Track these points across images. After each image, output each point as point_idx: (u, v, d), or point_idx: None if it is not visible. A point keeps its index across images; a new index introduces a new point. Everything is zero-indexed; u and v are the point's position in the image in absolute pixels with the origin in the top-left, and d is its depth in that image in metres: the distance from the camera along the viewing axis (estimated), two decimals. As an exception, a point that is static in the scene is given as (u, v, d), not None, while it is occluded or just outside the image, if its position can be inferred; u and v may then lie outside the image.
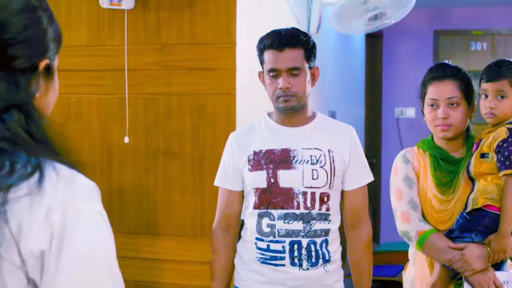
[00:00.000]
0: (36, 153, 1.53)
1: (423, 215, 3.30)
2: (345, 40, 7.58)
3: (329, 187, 3.23)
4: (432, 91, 3.28)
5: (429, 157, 3.35)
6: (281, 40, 3.19)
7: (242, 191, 3.35)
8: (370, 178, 3.38)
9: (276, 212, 3.21)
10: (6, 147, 1.49)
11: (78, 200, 1.55)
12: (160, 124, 4.30)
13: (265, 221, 3.24)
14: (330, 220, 3.24)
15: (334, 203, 3.27)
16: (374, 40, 9.11)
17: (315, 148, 3.25)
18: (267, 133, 3.31)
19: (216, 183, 3.39)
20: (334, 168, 3.23)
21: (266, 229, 3.23)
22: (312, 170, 3.21)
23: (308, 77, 3.24)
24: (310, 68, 3.25)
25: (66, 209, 1.50)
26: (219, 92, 4.17)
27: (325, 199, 3.22)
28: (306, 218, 3.20)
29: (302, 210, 3.20)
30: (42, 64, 1.62)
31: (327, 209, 3.23)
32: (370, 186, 3.47)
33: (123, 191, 4.37)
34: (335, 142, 3.28)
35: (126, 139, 4.28)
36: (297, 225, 3.19)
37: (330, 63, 6.74)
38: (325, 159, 3.23)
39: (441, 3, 8.90)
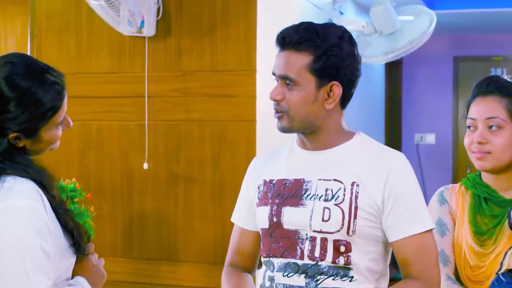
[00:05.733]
0: (2, 172, 2.13)
1: (456, 272, 2.63)
2: (365, 66, 7.57)
3: (348, 232, 2.35)
4: (473, 109, 2.62)
5: (470, 197, 2.66)
6: (284, 36, 2.42)
7: (258, 232, 2.58)
8: (424, 225, 2.38)
9: (276, 262, 2.44)
10: None
11: (5, 200, 2.07)
12: (181, 150, 4.30)
13: (267, 273, 2.48)
14: (352, 278, 2.36)
15: (361, 256, 2.38)
16: (393, 66, 9.10)
17: (334, 180, 2.40)
18: (286, 159, 2.54)
19: (232, 218, 2.73)
20: (355, 208, 2.35)
21: (267, 283, 2.47)
22: (324, 208, 2.37)
23: (313, 93, 2.38)
24: (321, 83, 2.38)
25: None
26: (240, 119, 4.18)
27: (342, 249, 2.36)
28: (310, 272, 2.37)
29: (306, 260, 2.38)
30: (10, 136, 2.15)
31: (347, 263, 2.36)
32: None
33: (143, 217, 4.37)
34: (365, 173, 2.39)
35: (145, 166, 4.29)
36: (298, 280, 2.39)
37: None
38: (344, 195, 2.37)
39: (460, 30, 8.89)
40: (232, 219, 2.72)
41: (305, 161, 2.48)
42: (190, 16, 4.27)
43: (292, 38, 2.38)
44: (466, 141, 2.63)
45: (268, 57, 4.28)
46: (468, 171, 8.88)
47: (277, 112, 2.44)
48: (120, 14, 4.13)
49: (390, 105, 9.04)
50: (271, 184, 2.51)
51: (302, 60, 2.36)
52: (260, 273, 2.54)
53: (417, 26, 5.35)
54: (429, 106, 9.29)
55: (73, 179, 3.74)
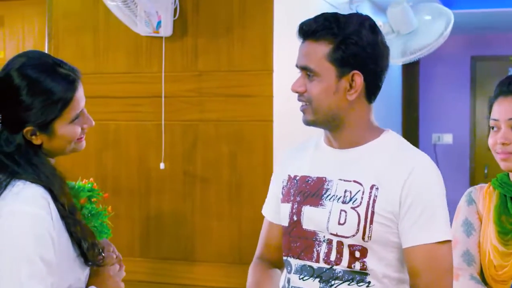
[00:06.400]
0: (14, 175, 2.15)
1: (482, 272, 2.59)
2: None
3: (363, 238, 2.26)
4: (495, 109, 2.60)
5: (497, 197, 2.63)
6: (302, 28, 2.38)
7: None
8: (439, 235, 2.24)
9: (293, 262, 2.39)
10: None
11: (10, 205, 2.09)
12: (197, 150, 4.31)
13: (286, 273, 2.45)
14: (369, 284, 2.28)
15: (377, 262, 2.29)
16: (410, 65, 9.07)
17: (354, 181, 2.31)
18: (311, 155, 2.47)
19: (262, 210, 2.70)
20: (372, 213, 2.26)
21: (286, 285, 2.44)
22: (341, 211, 2.29)
23: (333, 84, 2.30)
24: (342, 73, 2.30)
25: (3, 209, 2.09)
26: (256, 119, 4.17)
27: (357, 254, 2.28)
28: (325, 276, 2.30)
29: (321, 264, 2.32)
30: (25, 130, 2.18)
31: (363, 268, 2.27)
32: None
33: (160, 217, 4.38)
34: (385, 174, 2.28)
35: (162, 165, 4.30)
36: (313, 284, 2.33)
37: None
38: (361, 198, 2.27)
39: (478, 29, 8.86)
40: (262, 211, 2.68)
41: (328, 159, 2.40)
42: (207, 16, 4.28)
43: (311, 28, 2.33)
44: (490, 141, 2.60)
45: (285, 57, 4.28)
46: (485, 171, 8.85)
47: (301, 103, 2.37)
48: (137, 15, 4.14)
49: (407, 105, 9.02)
50: (295, 180, 2.44)
51: (321, 49, 2.30)
52: (283, 272, 2.51)
53: (435, 26, 5.33)
54: (447, 106, 9.27)
55: (91, 179, 3.76)
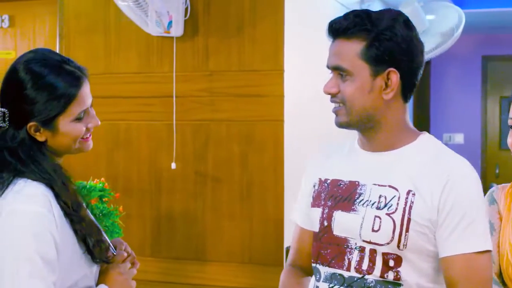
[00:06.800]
0: (17, 174, 2.16)
1: (500, 274, 2.51)
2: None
3: (398, 246, 2.13)
4: None
5: None
6: (332, 26, 2.23)
7: None
8: (479, 244, 2.13)
9: (323, 270, 2.27)
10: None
11: (11, 204, 2.09)
12: (208, 150, 4.31)
13: (314, 281, 2.34)
14: None
15: (411, 271, 2.17)
16: (421, 66, 9.07)
17: (390, 186, 2.19)
18: (344, 158, 2.35)
19: (292, 216, 2.56)
20: (408, 220, 2.13)
21: None
22: (375, 217, 2.17)
23: (368, 83, 2.18)
24: (377, 71, 2.18)
25: (4, 208, 2.09)
26: (267, 119, 4.17)
27: (391, 263, 2.15)
28: (356, 286, 2.19)
29: (352, 273, 2.20)
30: (29, 125, 2.18)
31: (396, 278, 2.15)
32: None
33: (171, 216, 4.38)
34: (422, 180, 2.16)
35: (173, 165, 4.30)
36: None
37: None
38: (397, 204, 2.15)
39: (489, 29, 8.84)
40: (292, 217, 2.54)
41: (362, 162, 2.28)
42: (217, 16, 4.28)
43: (341, 25, 2.19)
44: (509, 140, 2.51)
45: (295, 57, 4.28)
46: (497, 171, 8.83)
47: (334, 105, 2.23)
48: (148, 15, 4.15)
49: (418, 104, 9.00)
50: (326, 184, 2.32)
51: (353, 47, 2.17)
52: (312, 280, 2.38)
53: (446, 26, 5.32)
54: (458, 105, 9.25)
55: (102, 178, 3.79)
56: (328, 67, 2.24)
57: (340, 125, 2.24)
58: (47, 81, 2.17)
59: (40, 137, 2.22)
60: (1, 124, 2.21)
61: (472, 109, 9.18)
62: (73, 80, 2.21)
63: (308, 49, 4.50)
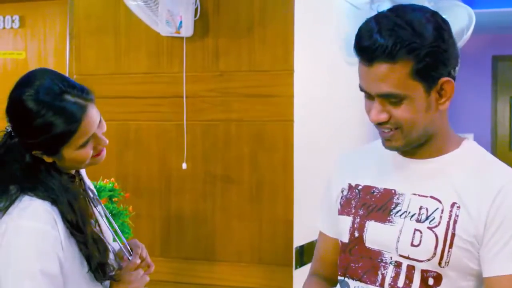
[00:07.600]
0: (24, 190, 2.16)
1: None
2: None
3: (440, 263, 1.97)
4: None
5: None
6: (368, 47, 1.93)
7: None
8: None
9: (352, 285, 2.10)
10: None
11: (15, 220, 2.10)
12: (218, 150, 4.31)
13: None
14: None
15: None
16: (431, 66, 9.07)
17: (431, 197, 2.01)
18: (377, 162, 2.17)
19: (318, 223, 2.40)
20: (452, 235, 1.96)
21: None
22: (415, 230, 1.99)
23: (424, 100, 1.98)
24: (430, 85, 1.98)
25: (8, 224, 2.10)
26: (277, 119, 4.17)
27: (430, 281, 1.98)
28: None
29: None
30: (33, 152, 2.19)
31: None
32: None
33: (181, 217, 4.38)
34: (468, 192, 1.98)
35: (184, 166, 4.30)
36: None
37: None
38: (440, 218, 1.97)
39: (499, 29, 8.82)
40: (318, 225, 2.38)
41: (400, 169, 2.10)
42: (227, 16, 4.28)
43: (382, 47, 1.90)
44: None
45: (306, 57, 4.28)
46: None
47: (384, 131, 2.02)
48: (158, 14, 4.15)
49: (428, 105, 8.99)
50: (356, 190, 2.15)
51: (402, 69, 1.92)
52: None
53: (456, 26, 5.31)
54: (468, 106, 9.23)
55: (112, 179, 3.79)
56: (364, 91, 2.02)
57: (395, 149, 2.07)
58: (46, 120, 2.13)
59: (48, 159, 2.22)
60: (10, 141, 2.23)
61: (482, 109, 9.18)
62: (75, 114, 2.15)
63: (318, 50, 4.49)
